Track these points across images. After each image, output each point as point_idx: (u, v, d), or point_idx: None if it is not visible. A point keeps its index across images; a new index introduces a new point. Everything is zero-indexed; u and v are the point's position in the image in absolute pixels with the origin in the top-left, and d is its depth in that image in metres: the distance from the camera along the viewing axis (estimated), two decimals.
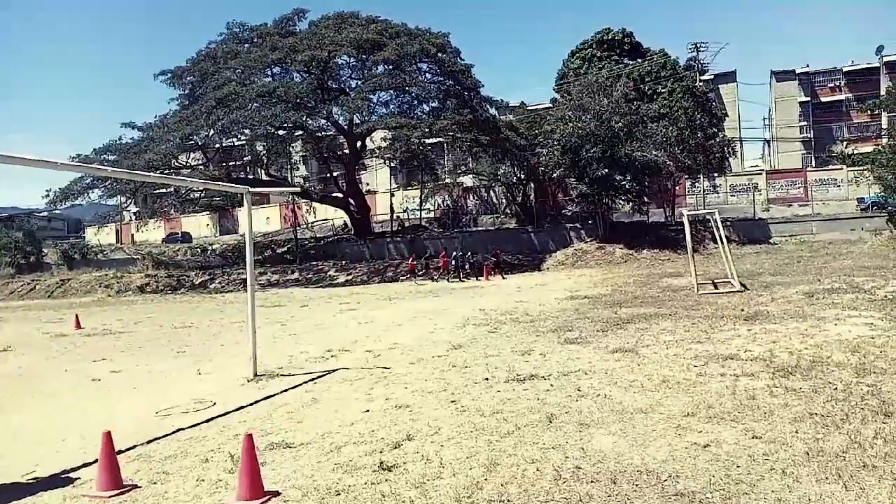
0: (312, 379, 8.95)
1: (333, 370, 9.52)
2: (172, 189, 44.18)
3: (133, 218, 63.72)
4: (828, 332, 9.83)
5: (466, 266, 31.67)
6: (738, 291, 16.23)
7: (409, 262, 35.27)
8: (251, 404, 7.68)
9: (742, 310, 12.83)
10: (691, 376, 7.60)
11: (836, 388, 6.62)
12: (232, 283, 38.33)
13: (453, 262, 31.42)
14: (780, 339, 9.54)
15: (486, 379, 8.13)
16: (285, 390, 8.33)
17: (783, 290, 15.45)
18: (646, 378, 7.63)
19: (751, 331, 10.46)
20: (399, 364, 9.68)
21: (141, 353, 12.98)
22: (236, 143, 47.09)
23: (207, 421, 7.03)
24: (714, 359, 8.51)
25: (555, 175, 35.64)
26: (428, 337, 12.38)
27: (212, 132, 37.97)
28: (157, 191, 42.85)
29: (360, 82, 38.27)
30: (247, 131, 38.10)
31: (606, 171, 30.41)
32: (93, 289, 40.30)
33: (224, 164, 44.45)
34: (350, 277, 36.64)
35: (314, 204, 49.72)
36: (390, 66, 36.50)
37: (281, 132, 39.58)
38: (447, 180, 50.77)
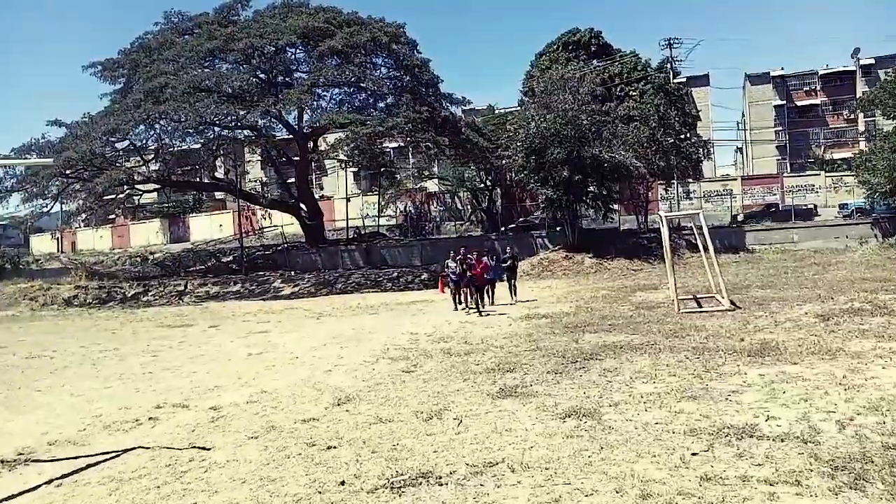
0: (65, 475, 5.40)
1: (123, 451, 5.99)
2: (122, 195, 40.44)
3: (80, 225, 59.60)
4: (878, 382, 6.67)
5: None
6: (729, 310, 13.17)
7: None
8: None
9: (742, 339, 9.67)
10: (692, 483, 4.33)
11: None
12: (166, 295, 35.05)
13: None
14: (813, 394, 6.36)
15: (343, 483, 4.76)
16: None
17: (786, 310, 12.36)
18: (614, 488, 4.34)
19: (763, 376, 7.25)
20: (233, 438, 6.22)
21: None
22: (180, 146, 43.35)
23: None
24: (722, 435, 5.28)
25: (518, 178, 32.67)
26: (318, 380, 8.93)
27: (141, 128, 34.36)
28: (103, 196, 39.20)
29: (308, 76, 34.90)
30: (179, 126, 34.33)
31: (569, 174, 27.45)
32: (16, 301, 36.45)
33: (165, 163, 40.45)
34: (296, 289, 33.46)
35: (271, 211, 46.09)
36: (340, 59, 33.20)
37: (218, 129, 35.92)
38: (409, 185, 47.45)
